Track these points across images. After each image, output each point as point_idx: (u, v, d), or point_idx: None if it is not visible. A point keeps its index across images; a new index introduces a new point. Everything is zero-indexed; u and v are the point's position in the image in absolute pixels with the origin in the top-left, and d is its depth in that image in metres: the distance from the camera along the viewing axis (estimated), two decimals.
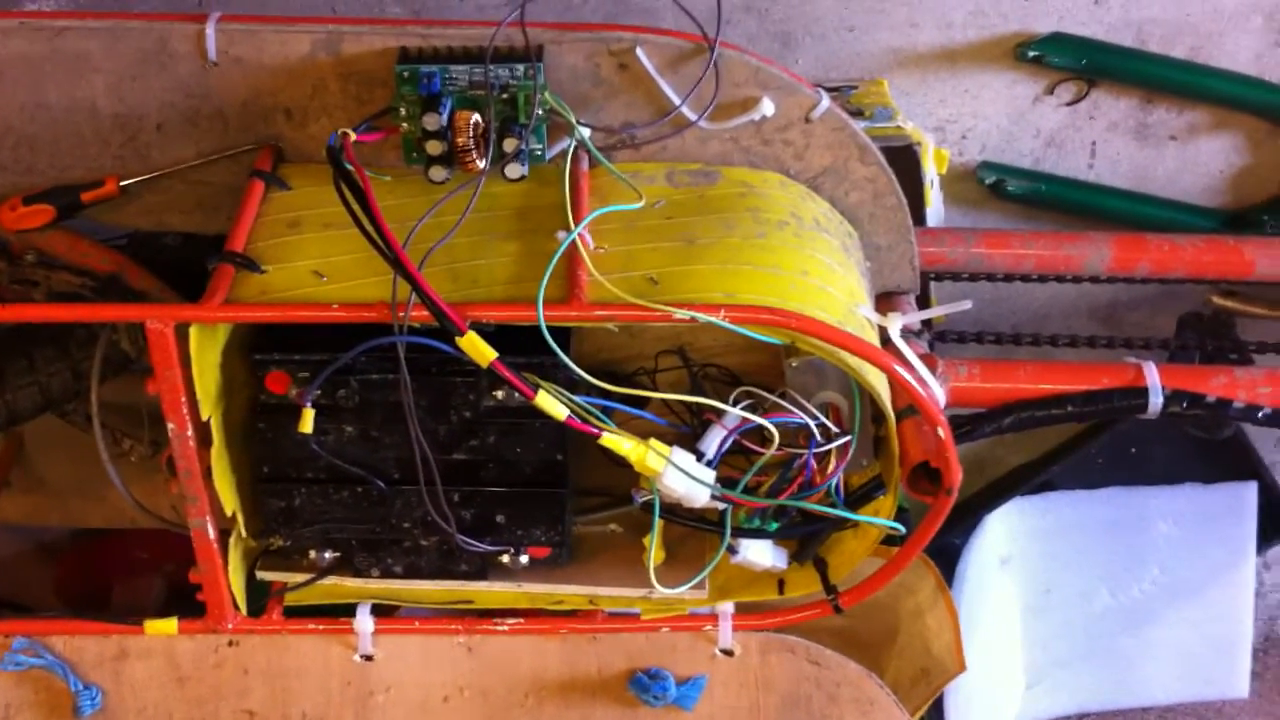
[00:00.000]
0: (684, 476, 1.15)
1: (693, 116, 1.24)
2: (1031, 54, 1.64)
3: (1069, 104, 1.71)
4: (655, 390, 1.27)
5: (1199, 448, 1.74)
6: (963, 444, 1.29)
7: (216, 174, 1.29)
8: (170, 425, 1.16)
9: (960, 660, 1.40)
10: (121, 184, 1.27)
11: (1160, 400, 1.35)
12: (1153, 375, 1.35)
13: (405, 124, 1.20)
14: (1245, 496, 1.78)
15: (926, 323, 1.44)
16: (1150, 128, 1.72)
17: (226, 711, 1.32)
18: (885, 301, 1.36)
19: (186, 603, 1.30)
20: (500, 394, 1.19)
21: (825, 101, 1.25)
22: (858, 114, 1.57)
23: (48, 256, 1.31)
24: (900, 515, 1.23)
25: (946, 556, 1.68)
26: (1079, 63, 1.65)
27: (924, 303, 1.53)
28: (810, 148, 1.27)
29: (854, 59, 1.66)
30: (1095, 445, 1.75)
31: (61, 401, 1.37)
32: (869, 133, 1.33)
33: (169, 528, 1.37)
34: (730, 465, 1.21)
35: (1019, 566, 1.79)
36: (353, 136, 1.14)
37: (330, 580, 1.29)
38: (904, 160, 1.54)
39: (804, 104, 1.25)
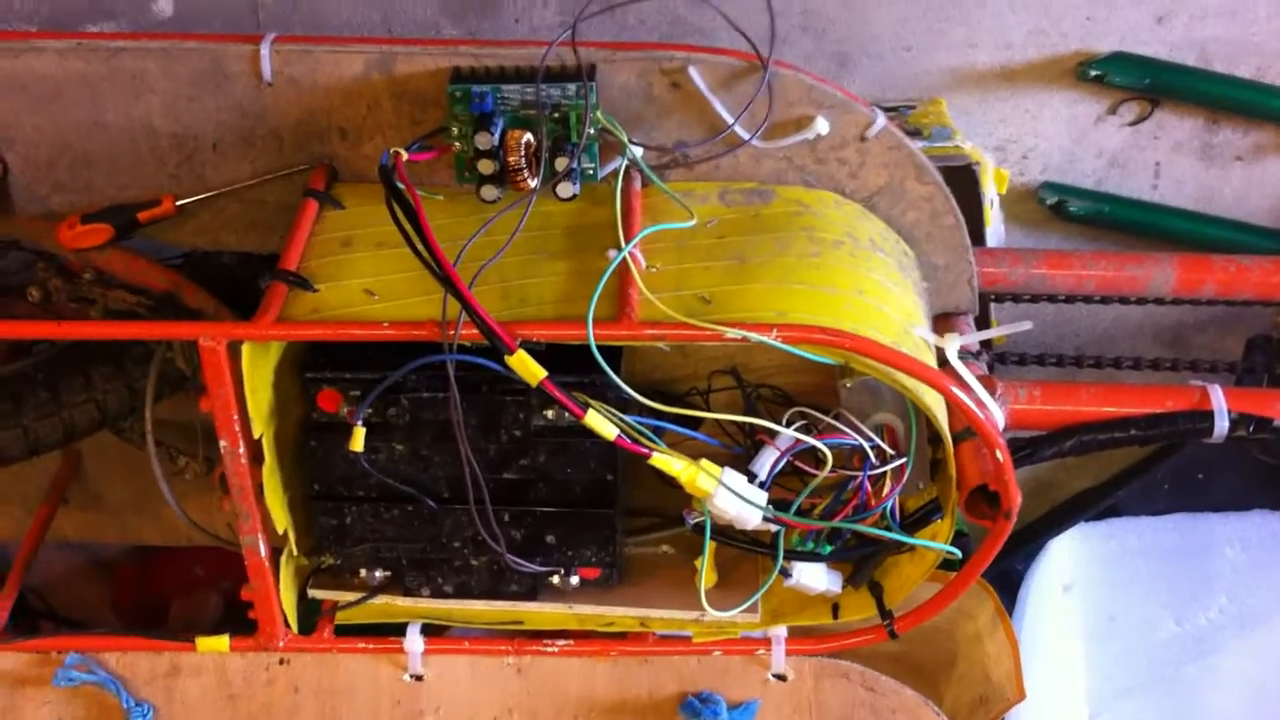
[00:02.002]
0: (735, 498, 1.14)
1: (746, 135, 1.23)
2: (1093, 73, 1.62)
3: (1132, 124, 1.68)
4: (708, 410, 1.26)
5: (1267, 473, 1.70)
6: (1022, 467, 1.28)
7: (271, 193, 1.29)
8: (222, 442, 1.17)
9: (1020, 688, 1.37)
10: (178, 203, 1.28)
11: (1226, 424, 1.33)
12: (1218, 398, 1.33)
13: (458, 143, 1.20)
14: None
15: (986, 344, 1.43)
16: (1215, 148, 1.70)
17: None
18: (943, 322, 1.35)
19: (243, 620, 1.30)
20: (550, 413, 1.18)
21: (880, 120, 1.24)
22: (915, 133, 1.56)
23: (105, 275, 1.32)
24: (960, 539, 1.22)
25: (1008, 582, 1.66)
26: (1142, 82, 1.63)
27: (984, 324, 1.51)
28: (865, 166, 1.26)
29: (912, 79, 1.65)
30: (1161, 470, 1.72)
31: (118, 418, 1.38)
32: (927, 152, 1.32)
33: (223, 545, 1.38)
34: (784, 487, 1.20)
35: (1082, 593, 1.76)
36: (405, 156, 1.14)
37: (381, 599, 1.29)
38: (963, 180, 1.52)
39: (859, 122, 1.24)
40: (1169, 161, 1.71)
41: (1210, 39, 1.62)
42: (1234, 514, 1.75)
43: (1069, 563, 1.73)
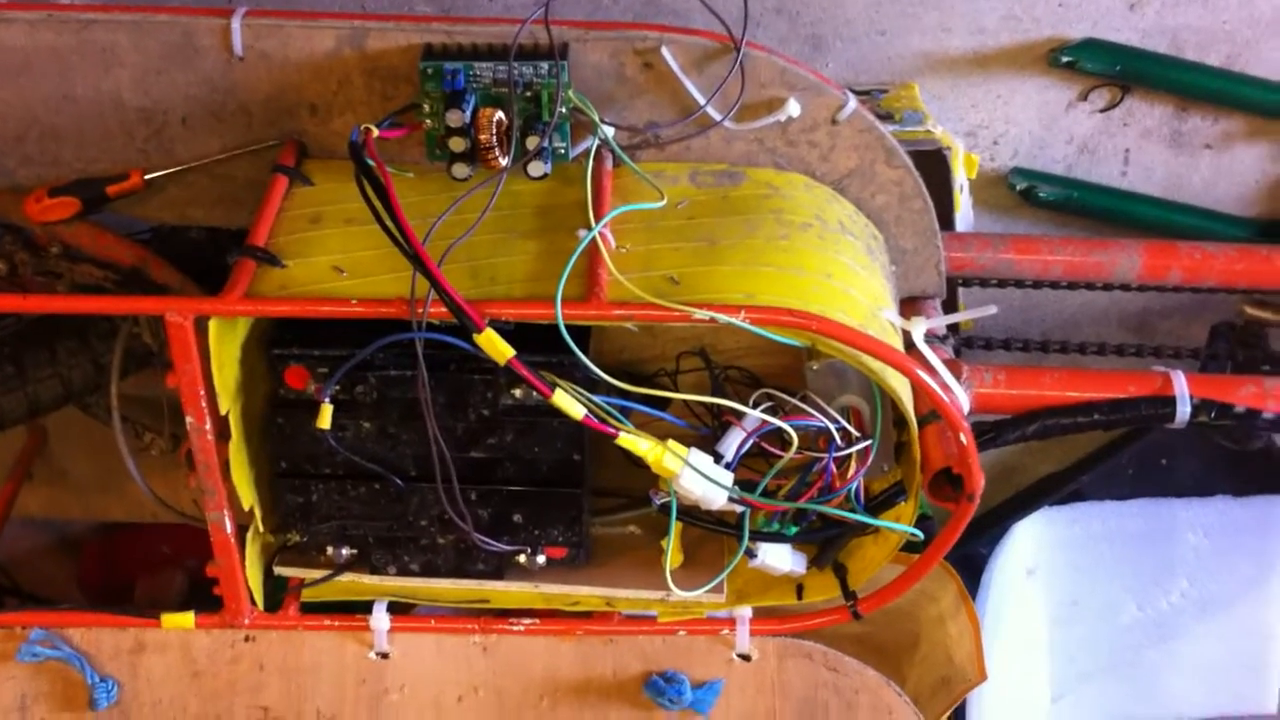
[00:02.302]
0: (701, 478, 1.14)
1: (718, 116, 1.23)
2: (1065, 59, 1.63)
3: (1102, 110, 1.69)
4: (676, 391, 1.26)
5: (1230, 460, 1.71)
6: (986, 450, 1.28)
7: (240, 169, 1.29)
8: (189, 419, 1.16)
9: (981, 669, 1.38)
10: (146, 178, 1.27)
11: (1188, 409, 1.34)
12: (1180, 384, 1.34)
13: (429, 120, 1.20)
14: (1276, 510, 1.75)
15: (953, 328, 1.43)
16: (1185, 135, 1.70)
17: (241, 707, 1.32)
18: (910, 306, 1.35)
19: (208, 597, 1.30)
20: (518, 392, 1.18)
21: (852, 103, 1.24)
22: (887, 117, 1.56)
23: (72, 249, 1.31)
24: (924, 522, 1.22)
25: (973, 565, 1.67)
26: (1113, 69, 1.63)
27: (951, 308, 1.52)
28: (836, 149, 1.26)
29: (885, 63, 1.65)
30: (1125, 455, 1.73)
31: (83, 394, 1.37)
32: (898, 136, 1.32)
33: (188, 522, 1.38)
34: (750, 468, 1.20)
35: (1046, 577, 1.77)
36: (375, 132, 1.14)
37: (347, 577, 1.29)
38: (933, 164, 1.53)
39: (830, 105, 1.24)
40: (1138, 148, 1.72)
41: (1181, 26, 1.62)
42: (1196, 499, 1.76)
43: (1032, 546, 1.75)
